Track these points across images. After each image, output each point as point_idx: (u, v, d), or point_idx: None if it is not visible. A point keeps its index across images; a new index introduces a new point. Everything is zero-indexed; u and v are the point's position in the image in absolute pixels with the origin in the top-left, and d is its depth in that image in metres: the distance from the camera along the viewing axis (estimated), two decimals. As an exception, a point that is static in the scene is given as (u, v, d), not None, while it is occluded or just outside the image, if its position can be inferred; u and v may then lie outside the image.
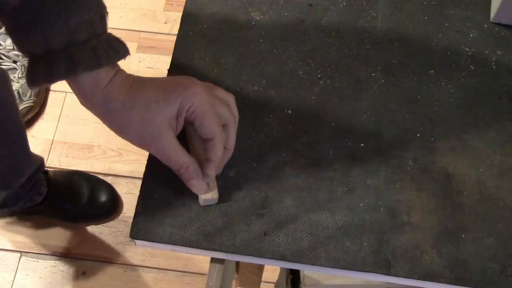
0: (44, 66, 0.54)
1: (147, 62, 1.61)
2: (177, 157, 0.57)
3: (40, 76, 0.55)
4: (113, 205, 1.40)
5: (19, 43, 0.56)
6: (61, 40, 0.54)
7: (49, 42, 0.54)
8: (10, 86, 1.05)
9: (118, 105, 0.57)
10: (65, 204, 1.35)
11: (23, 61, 1.50)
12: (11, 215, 1.39)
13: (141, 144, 0.58)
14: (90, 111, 0.58)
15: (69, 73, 0.54)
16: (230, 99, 0.62)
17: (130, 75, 0.59)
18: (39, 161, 1.23)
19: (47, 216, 1.37)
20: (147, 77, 0.59)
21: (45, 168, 1.33)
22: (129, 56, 0.58)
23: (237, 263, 0.87)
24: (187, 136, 0.62)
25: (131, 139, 0.58)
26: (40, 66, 0.55)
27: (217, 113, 0.58)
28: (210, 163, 0.58)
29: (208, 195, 0.59)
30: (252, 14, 0.72)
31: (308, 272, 0.76)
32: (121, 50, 0.57)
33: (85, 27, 0.54)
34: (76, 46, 0.54)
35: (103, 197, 1.38)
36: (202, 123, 0.57)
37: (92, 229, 1.40)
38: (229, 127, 0.60)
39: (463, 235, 0.59)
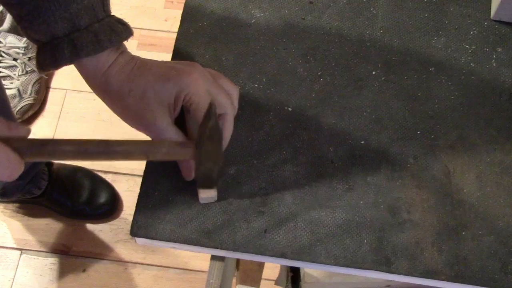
0: (50, 52, 0.56)
1: (147, 59, 1.61)
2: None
3: (47, 61, 0.57)
4: (112, 208, 1.40)
5: (26, 32, 0.57)
6: (63, 27, 0.55)
7: (52, 29, 0.55)
8: None
9: (116, 90, 0.58)
10: (64, 199, 1.35)
11: (24, 58, 1.50)
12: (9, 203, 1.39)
13: (138, 128, 0.59)
14: (93, 91, 0.60)
15: (73, 58, 0.56)
16: (234, 91, 0.62)
17: (132, 58, 0.59)
18: None
19: (46, 208, 1.37)
20: (150, 60, 0.60)
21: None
22: (131, 36, 0.59)
23: (238, 260, 0.87)
24: (185, 120, 0.62)
25: (129, 122, 0.59)
26: (46, 52, 0.56)
27: (215, 102, 0.58)
28: None
29: (207, 193, 0.59)
30: (252, 11, 0.72)
31: (308, 269, 0.76)
32: (123, 32, 0.58)
33: (86, 12, 0.55)
34: (78, 32, 0.55)
35: (102, 199, 1.38)
36: (196, 111, 0.57)
37: (92, 226, 1.40)
38: (226, 117, 0.60)
39: (463, 233, 0.59)
